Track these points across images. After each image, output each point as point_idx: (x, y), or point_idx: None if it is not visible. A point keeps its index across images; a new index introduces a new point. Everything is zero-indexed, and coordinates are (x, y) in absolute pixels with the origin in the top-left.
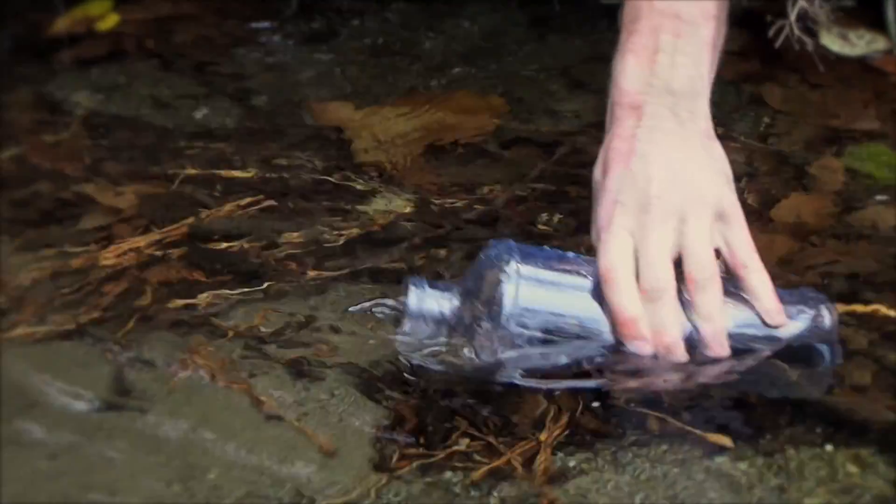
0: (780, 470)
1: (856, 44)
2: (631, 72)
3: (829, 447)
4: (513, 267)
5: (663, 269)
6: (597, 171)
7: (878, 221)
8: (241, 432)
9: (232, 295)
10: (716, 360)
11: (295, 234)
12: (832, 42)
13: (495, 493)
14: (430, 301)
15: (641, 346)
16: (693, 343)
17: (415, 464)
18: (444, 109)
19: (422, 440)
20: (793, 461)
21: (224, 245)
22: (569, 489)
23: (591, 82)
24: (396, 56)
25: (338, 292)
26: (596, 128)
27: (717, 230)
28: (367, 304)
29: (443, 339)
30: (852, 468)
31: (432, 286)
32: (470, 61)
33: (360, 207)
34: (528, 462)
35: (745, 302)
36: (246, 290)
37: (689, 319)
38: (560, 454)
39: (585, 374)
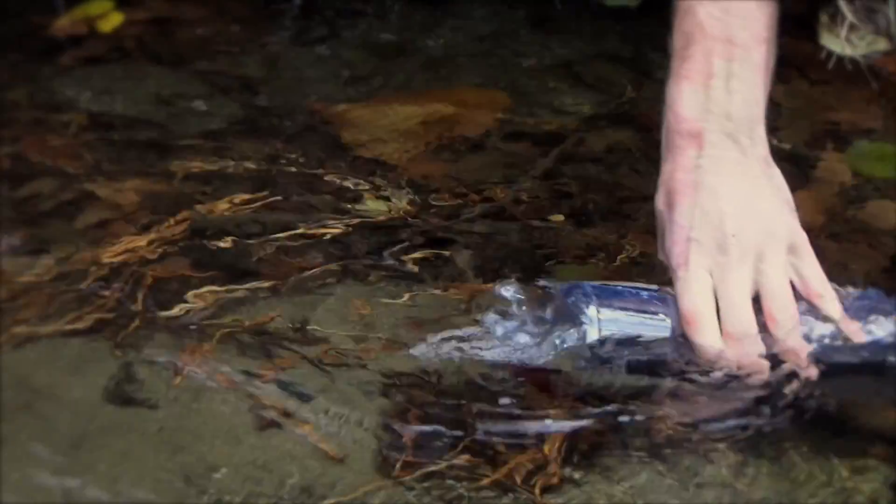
0: (780, 476)
1: (857, 44)
2: (687, 98)
3: (827, 454)
4: (593, 311)
5: (745, 311)
6: (659, 201)
7: (880, 219)
8: (243, 432)
9: (233, 292)
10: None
11: (297, 231)
12: (833, 42)
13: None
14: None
15: (727, 367)
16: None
17: (417, 472)
18: (445, 105)
19: (425, 447)
20: (792, 467)
21: (225, 242)
22: (570, 500)
23: (592, 78)
24: (398, 54)
25: (339, 289)
26: (596, 123)
27: (788, 262)
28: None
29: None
30: (850, 473)
31: (505, 325)
32: (471, 58)
33: (361, 204)
34: (531, 473)
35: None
36: (248, 287)
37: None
38: (561, 465)
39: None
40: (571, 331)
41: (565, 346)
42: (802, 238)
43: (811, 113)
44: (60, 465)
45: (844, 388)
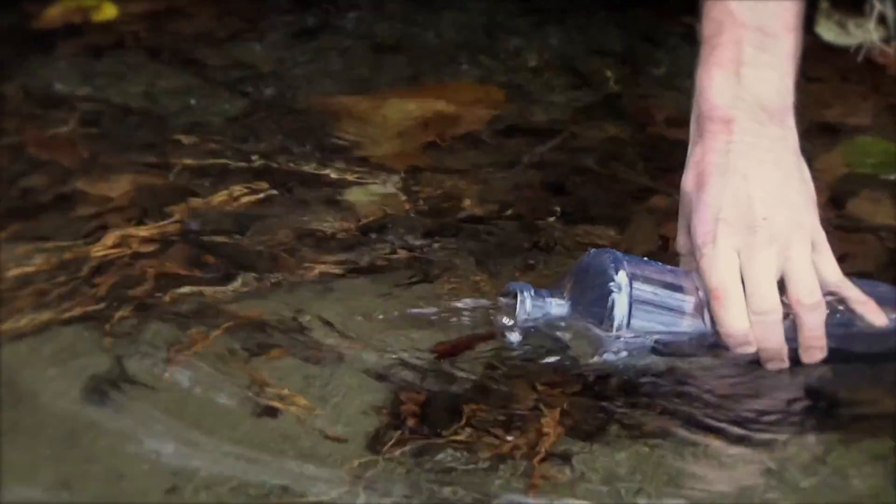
0: (776, 454)
1: (852, 33)
2: (719, 85)
3: (822, 431)
4: (622, 278)
5: (771, 290)
6: (688, 183)
7: (876, 214)
8: (239, 421)
9: (228, 287)
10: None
11: (292, 226)
12: (828, 31)
13: (495, 484)
14: (538, 309)
15: (746, 349)
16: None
17: (412, 448)
18: (442, 100)
19: (423, 429)
20: (787, 445)
21: (220, 237)
22: (566, 474)
23: (587, 71)
24: (394, 48)
25: (336, 284)
26: (592, 117)
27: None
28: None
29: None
30: (845, 452)
31: (538, 294)
32: (468, 52)
33: (358, 198)
34: (528, 450)
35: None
36: (241, 281)
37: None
38: (558, 442)
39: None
40: (599, 298)
41: (593, 313)
42: (822, 236)
43: (806, 108)
44: (58, 454)
45: (858, 376)
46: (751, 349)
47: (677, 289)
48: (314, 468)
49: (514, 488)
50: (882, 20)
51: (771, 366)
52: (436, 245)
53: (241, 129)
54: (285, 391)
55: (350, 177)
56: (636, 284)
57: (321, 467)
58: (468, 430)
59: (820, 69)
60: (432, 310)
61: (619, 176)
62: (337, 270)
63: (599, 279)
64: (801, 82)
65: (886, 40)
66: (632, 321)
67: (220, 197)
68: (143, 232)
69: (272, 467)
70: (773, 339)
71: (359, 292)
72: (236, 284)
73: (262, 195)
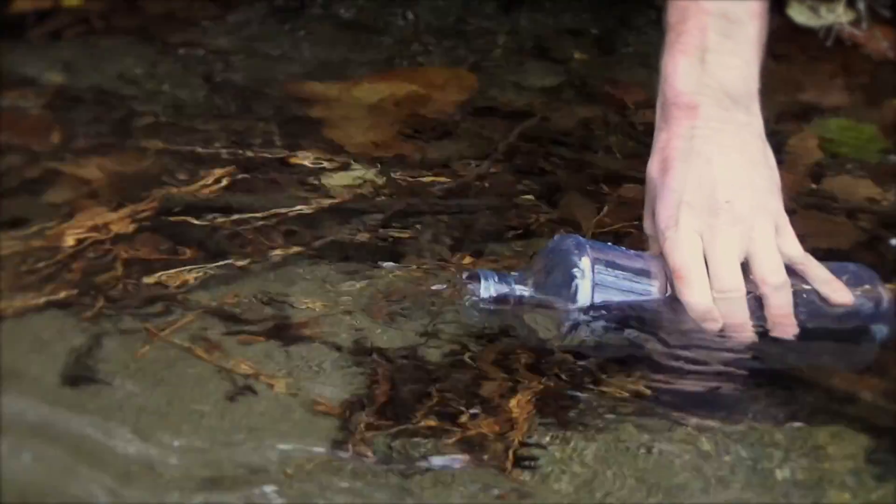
0: (750, 441)
1: (823, 16)
2: (684, 72)
3: (797, 420)
4: (585, 263)
5: (732, 269)
6: (653, 168)
7: (849, 194)
8: (212, 404)
9: (202, 270)
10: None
11: (266, 209)
12: (800, 14)
13: (466, 467)
14: (501, 292)
15: (712, 326)
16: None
17: (382, 434)
18: (414, 84)
19: (391, 414)
20: (762, 433)
21: (194, 220)
22: (537, 464)
23: (560, 56)
24: (366, 32)
25: (308, 267)
26: (564, 100)
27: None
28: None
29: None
30: (821, 440)
31: (502, 278)
32: (440, 36)
33: (330, 182)
34: (495, 434)
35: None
36: (216, 265)
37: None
38: (529, 427)
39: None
40: (562, 282)
41: (556, 297)
42: (785, 219)
43: (778, 89)
44: (36, 440)
45: (822, 354)
46: (716, 326)
47: (641, 272)
48: (285, 450)
49: (484, 478)
50: (851, 3)
51: (737, 340)
52: (407, 227)
53: (212, 113)
54: (257, 373)
55: (321, 160)
56: (599, 269)
57: (293, 450)
58: (437, 415)
59: (792, 51)
60: (403, 291)
61: (592, 159)
62: (309, 253)
63: (563, 264)
64: (774, 64)
65: (856, 22)
66: (595, 305)
67: (192, 182)
68: (115, 216)
69: (244, 448)
70: (736, 316)
71: (330, 275)
72: (209, 268)
73: (233, 179)
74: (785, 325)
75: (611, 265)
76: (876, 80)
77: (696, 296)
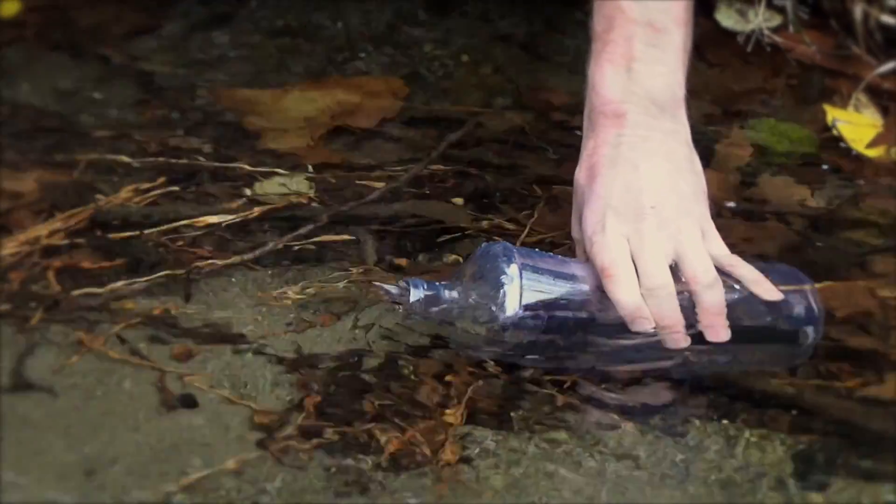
0: (682, 446)
1: (751, 20)
2: (610, 80)
3: (728, 423)
4: (513, 270)
5: (660, 267)
6: (580, 175)
7: (781, 196)
8: (145, 415)
9: (136, 281)
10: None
11: (198, 219)
12: (727, 18)
13: (402, 471)
14: (430, 299)
15: (644, 325)
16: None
17: (317, 443)
18: (346, 92)
19: (326, 421)
20: (694, 437)
21: (127, 231)
22: (471, 466)
23: (491, 61)
24: (297, 39)
25: (241, 275)
26: (495, 105)
27: None
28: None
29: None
30: (753, 442)
31: (430, 286)
32: (372, 43)
33: (262, 190)
34: (432, 440)
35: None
36: (149, 276)
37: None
38: (463, 432)
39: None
40: (491, 289)
41: (485, 304)
42: (711, 225)
43: (708, 93)
44: None
45: (755, 356)
46: (648, 324)
47: (570, 277)
48: (219, 460)
49: (419, 483)
50: (773, 6)
51: (671, 342)
52: (340, 234)
53: (144, 123)
54: (191, 383)
55: (254, 169)
56: (527, 275)
57: (227, 459)
58: (372, 421)
59: (722, 54)
60: (336, 300)
61: (523, 164)
62: (242, 262)
63: (491, 271)
64: (704, 68)
65: (784, 27)
66: (524, 311)
67: (125, 192)
68: (49, 229)
69: (177, 459)
70: (668, 315)
71: (264, 283)
72: (141, 279)
73: (166, 190)
74: (717, 325)
75: (539, 271)
76: (804, 84)
77: (625, 293)
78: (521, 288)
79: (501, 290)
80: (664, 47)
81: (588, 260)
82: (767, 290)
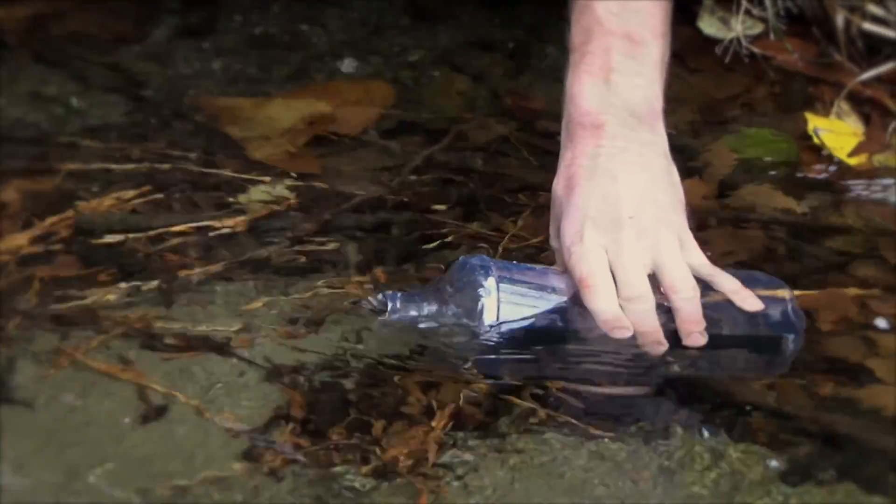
0: (666, 454)
1: (733, 28)
2: (589, 92)
3: (713, 431)
4: (491, 283)
5: (638, 277)
6: (558, 186)
7: (763, 203)
8: (126, 427)
9: (117, 290)
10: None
11: (180, 228)
12: (710, 26)
13: (384, 483)
14: (405, 311)
15: (622, 333)
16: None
17: (299, 452)
18: (328, 99)
19: (308, 432)
20: (678, 446)
21: (109, 240)
22: (454, 477)
23: (473, 69)
24: (279, 47)
25: (224, 285)
26: (478, 114)
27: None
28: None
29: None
30: (736, 453)
31: (408, 298)
32: (353, 51)
33: (245, 199)
34: (415, 450)
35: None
36: (132, 284)
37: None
38: (445, 444)
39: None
40: (469, 302)
41: (463, 317)
42: (689, 235)
43: (692, 101)
44: None
45: (735, 365)
46: (627, 333)
47: (548, 288)
48: (201, 471)
49: (401, 495)
50: (751, 14)
51: (650, 350)
52: (323, 243)
53: (126, 131)
54: (172, 393)
55: (237, 178)
56: (504, 287)
57: (209, 470)
58: (353, 432)
59: (704, 62)
60: (319, 308)
61: (507, 172)
62: (225, 271)
63: (469, 283)
64: (688, 76)
65: (765, 34)
66: (502, 324)
67: (107, 201)
68: (30, 237)
69: (159, 470)
70: (646, 324)
71: (247, 292)
72: (124, 288)
73: (148, 198)
74: (695, 334)
75: (517, 283)
76: (787, 91)
77: (603, 303)
78: (499, 301)
79: (479, 303)
80: (642, 59)
81: (567, 270)
82: (747, 301)
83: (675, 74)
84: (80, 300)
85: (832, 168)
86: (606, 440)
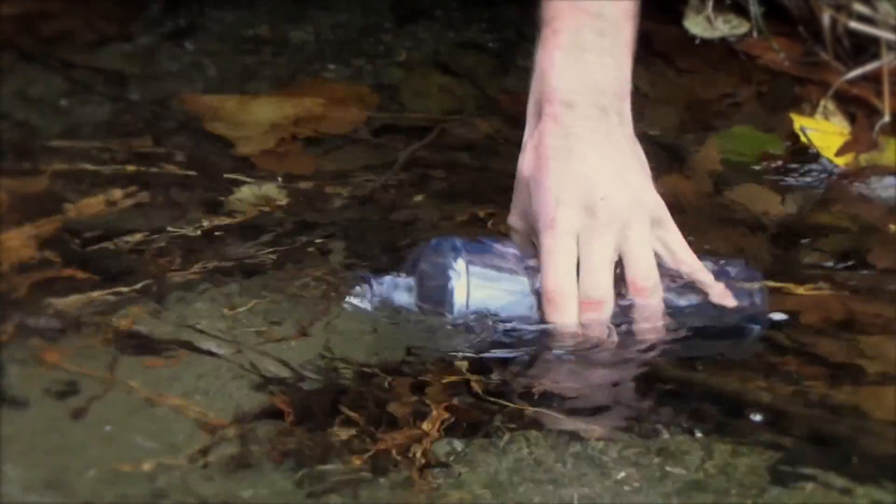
0: (657, 453)
1: (719, 28)
2: (560, 69)
3: (701, 431)
4: (461, 265)
5: (605, 276)
6: (525, 166)
7: (751, 202)
8: (115, 429)
9: (104, 291)
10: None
11: (168, 228)
12: (696, 25)
13: (375, 482)
14: (379, 295)
15: (574, 338)
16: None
17: (291, 454)
18: (315, 99)
19: (297, 431)
20: (666, 444)
21: (97, 241)
22: (446, 476)
23: (459, 69)
24: (265, 47)
25: (213, 285)
26: (464, 114)
27: (654, 235)
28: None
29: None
30: (727, 449)
31: (380, 283)
32: (340, 51)
33: (232, 198)
34: (406, 450)
35: (687, 290)
36: (119, 286)
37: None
38: (438, 442)
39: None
40: (440, 283)
41: (434, 299)
42: (666, 212)
43: (679, 101)
44: None
45: (708, 354)
46: (578, 338)
47: (515, 272)
48: (191, 468)
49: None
50: (743, 12)
51: (594, 352)
52: (310, 243)
53: (113, 131)
54: (160, 395)
55: (223, 176)
56: (474, 270)
57: (198, 468)
58: (344, 431)
59: (691, 61)
60: (306, 309)
61: (493, 170)
62: (212, 272)
63: (440, 266)
64: (674, 75)
65: (750, 33)
66: (471, 305)
67: (94, 202)
68: (17, 239)
69: (148, 470)
70: (597, 332)
71: (233, 292)
72: (111, 290)
73: (136, 199)
74: (651, 328)
75: (487, 266)
76: (774, 91)
77: (565, 319)
78: (469, 284)
79: (449, 286)
80: (614, 39)
81: (532, 247)
82: (720, 295)
83: (662, 74)
84: (66, 302)
85: (819, 167)
86: (596, 440)
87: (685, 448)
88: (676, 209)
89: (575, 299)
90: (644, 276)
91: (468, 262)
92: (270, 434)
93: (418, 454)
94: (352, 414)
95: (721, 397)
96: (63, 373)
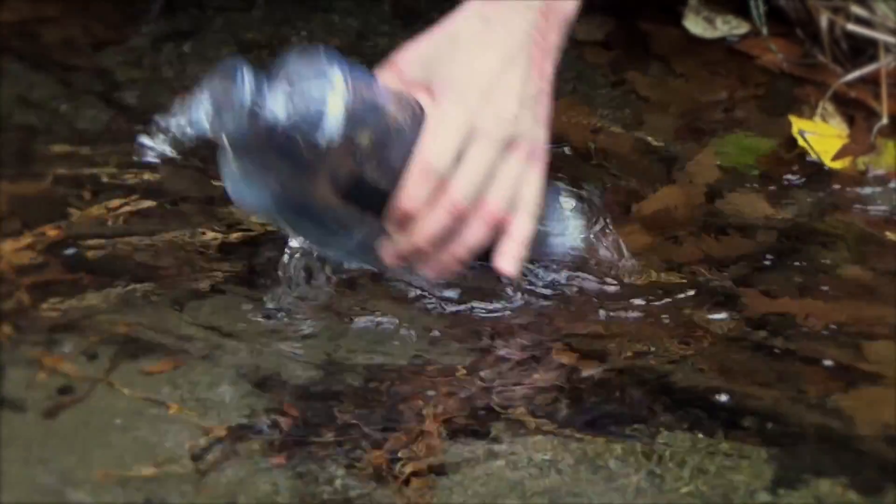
0: (655, 459)
1: (719, 28)
2: None
3: (701, 436)
4: (338, 76)
5: (478, 187)
6: (464, 24)
7: (749, 209)
8: (115, 433)
9: (105, 298)
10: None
11: (169, 235)
12: (695, 25)
13: (372, 487)
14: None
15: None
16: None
17: (289, 454)
18: None
19: (297, 438)
20: (666, 450)
21: (98, 247)
22: (445, 479)
23: None
24: (264, 51)
25: (214, 292)
26: None
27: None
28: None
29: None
30: (727, 455)
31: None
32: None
33: (233, 207)
34: (406, 453)
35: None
36: (119, 292)
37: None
38: (437, 446)
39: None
40: (311, 96)
41: (302, 115)
42: (544, 151)
43: (676, 104)
44: None
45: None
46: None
47: (397, 102)
48: (191, 472)
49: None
50: (746, 13)
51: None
52: (311, 253)
53: (114, 136)
54: (159, 400)
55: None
56: (356, 85)
57: (198, 471)
58: (342, 438)
59: (687, 64)
60: (307, 317)
61: None
62: (215, 279)
63: (310, 75)
64: (671, 78)
65: (752, 34)
66: (346, 131)
67: (96, 207)
68: (18, 243)
69: (148, 477)
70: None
71: (237, 299)
72: (113, 295)
73: (138, 205)
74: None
75: (367, 84)
76: (772, 93)
77: (416, 203)
78: (349, 101)
79: (324, 97)
80: None
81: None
82: (506, 262)
83: (659, 78)
84: (68, 308)
85: (817, 173)
86: (596, 445)
87: (686, 452)
88: (673, 218)
89: (442, 183)
90: (505, 207)
91: (347, 78)
92: (267, 438)
93: (418, 457)
94: (351, 420)
95: (721, 399)
96: (62, 377)
